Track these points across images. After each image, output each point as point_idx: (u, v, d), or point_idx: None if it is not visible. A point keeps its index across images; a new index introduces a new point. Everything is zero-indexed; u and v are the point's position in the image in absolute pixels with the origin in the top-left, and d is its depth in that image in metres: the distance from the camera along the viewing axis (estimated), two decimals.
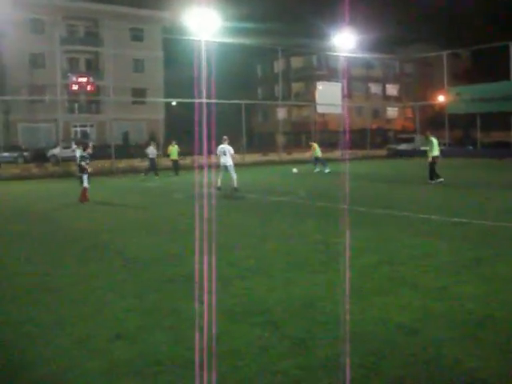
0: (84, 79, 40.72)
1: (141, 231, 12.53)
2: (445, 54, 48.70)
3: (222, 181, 20.68)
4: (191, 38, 45.10)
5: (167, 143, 41.62)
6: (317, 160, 31.54)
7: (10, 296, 7.41)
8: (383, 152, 49.91)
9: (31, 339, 5.73)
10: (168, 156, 32.37)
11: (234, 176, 20.43)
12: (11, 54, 56.37)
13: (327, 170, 29.84)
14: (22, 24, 56.29)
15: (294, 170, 29.89)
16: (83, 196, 17.86)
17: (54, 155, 44.34)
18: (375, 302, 6.58)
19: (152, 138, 45.29)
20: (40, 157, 44.23)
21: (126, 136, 57.25)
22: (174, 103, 63.25)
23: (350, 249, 8.81)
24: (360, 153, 46.56)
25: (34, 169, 30.80)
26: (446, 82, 49.02)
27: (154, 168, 30.19)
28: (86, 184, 17.96)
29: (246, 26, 55.94)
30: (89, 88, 40.65)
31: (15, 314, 6.59)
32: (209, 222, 11.95)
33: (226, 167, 20.43)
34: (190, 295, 6.79)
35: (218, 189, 20.17)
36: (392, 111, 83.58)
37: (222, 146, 20.70)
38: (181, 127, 51.75)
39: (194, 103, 40.89)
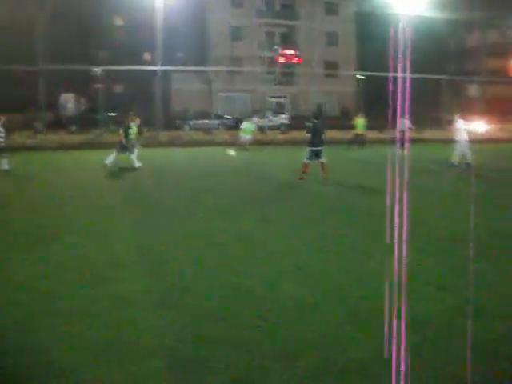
0: (291, 51, 42.18)
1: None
2: None
3: (458, 158, 20.73)
4: (384, 11, 44.92)
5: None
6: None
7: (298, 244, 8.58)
8: None
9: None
10: (354, 128, 32.49)
11: (468, 153, 20.41)
12: (214, 27, 59.84)
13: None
14: None
15: None
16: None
17: None
18: None
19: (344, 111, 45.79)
20: (238, 125, 46.76)
21: (320, 108, 58.36)
22: (362, 77, 63.13)
23: None
24: None
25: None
26: None
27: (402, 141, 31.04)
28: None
29: None
30: (295, 60, 41.98)
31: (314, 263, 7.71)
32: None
33: (463, 142, 20.47)
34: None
35: (453, 165, 20.42)
36: None
37: (459, 121, 20.80)
38: (370, 101, 51.83)
39: (385, 77, 41.05)
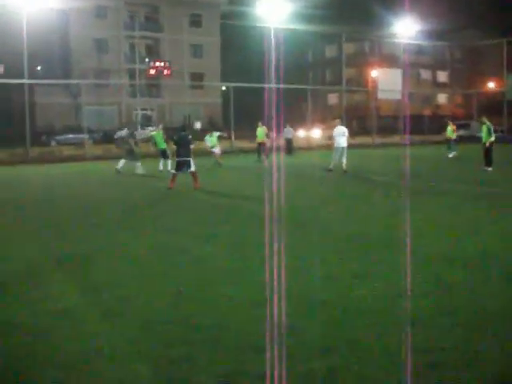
0: (161, 64, 41.74)
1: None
2: (505, 41, 48.97)
3: (334, 163, 21.63)
4: (247, 23, 46.19)
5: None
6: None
7: None
8: (440, 138, 49.99)
9: None
10: (255, 138, 31.52)
11: (345, 159, 21.36)
12: (77, 39, 58.40)
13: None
14: (87, 10, 58.16)
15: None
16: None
17: (121, 137, 45.95)
18: None
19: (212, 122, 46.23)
20: (107, 138, 45.85)
21: (187, 119, 58.28)
22: (223, 88, 64.08)
23: None
24: (417, 138, 46.90)
25: (114, 149, 32.79)
26: (505, 69, 49.46)
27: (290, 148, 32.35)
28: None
29: (301, 11, 56.31)
30: (165, 72, 41.55)
31: None
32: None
33: (342, 148, 21.35)
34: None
35: (330, 170, 21.32)
36: (441, 98, 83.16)
37: (339, 127, 21.91)
38: (239, 111, 52.87)
39: (252, 88, 42.30)
